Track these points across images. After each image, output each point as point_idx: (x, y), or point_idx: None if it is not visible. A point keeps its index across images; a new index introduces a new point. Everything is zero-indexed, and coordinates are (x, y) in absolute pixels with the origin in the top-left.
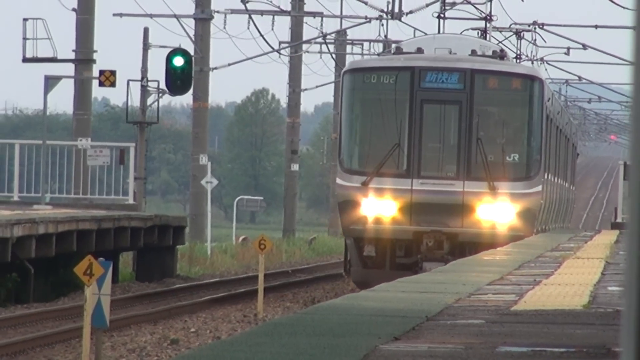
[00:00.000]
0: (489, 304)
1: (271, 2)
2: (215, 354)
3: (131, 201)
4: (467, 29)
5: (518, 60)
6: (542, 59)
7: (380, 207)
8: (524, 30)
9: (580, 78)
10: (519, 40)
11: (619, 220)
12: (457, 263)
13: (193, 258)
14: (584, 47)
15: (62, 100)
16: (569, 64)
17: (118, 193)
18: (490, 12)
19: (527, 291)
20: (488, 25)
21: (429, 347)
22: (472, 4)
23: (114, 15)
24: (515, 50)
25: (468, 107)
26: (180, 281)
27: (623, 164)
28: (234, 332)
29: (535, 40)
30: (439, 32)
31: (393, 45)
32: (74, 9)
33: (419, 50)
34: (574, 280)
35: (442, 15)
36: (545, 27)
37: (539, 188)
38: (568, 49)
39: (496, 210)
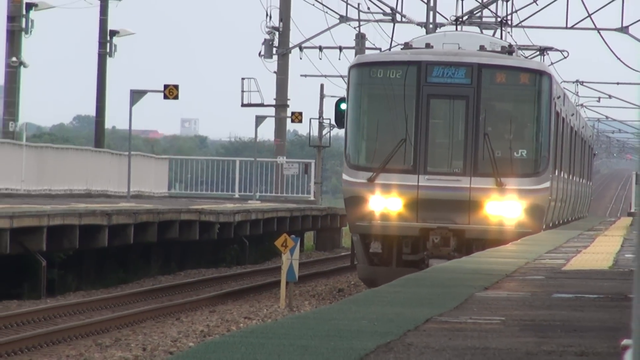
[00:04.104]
0: (547, 265)
1: None
2: (368, 298)
3: (312, 198)
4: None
5: None
6: (581, 104)
7: (386, 203)
8: (546, 49)
9: (607, 117)
10: (542, 57)
11: (632, 210)
12: (525, 239)
13: None
14: (610, 96)
15: (267, 131)
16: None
17: (303, 193)
18: (506, 15)
19: (572, 257)
20: (503, 28)
21: (507, 294)
22: (486, 7)
23: (301, 75)
24: None
25: (475, 102)
26: (344, 250)
27: (635, 173)
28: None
29: (577, 92)
30: None
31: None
32: (274, 72)
33: (428, 46)
34: (603, 250)
35: (459, 19)
36: (584, 84)
37: (548, 184)
38: (599, 98)
39: (504, 206)
